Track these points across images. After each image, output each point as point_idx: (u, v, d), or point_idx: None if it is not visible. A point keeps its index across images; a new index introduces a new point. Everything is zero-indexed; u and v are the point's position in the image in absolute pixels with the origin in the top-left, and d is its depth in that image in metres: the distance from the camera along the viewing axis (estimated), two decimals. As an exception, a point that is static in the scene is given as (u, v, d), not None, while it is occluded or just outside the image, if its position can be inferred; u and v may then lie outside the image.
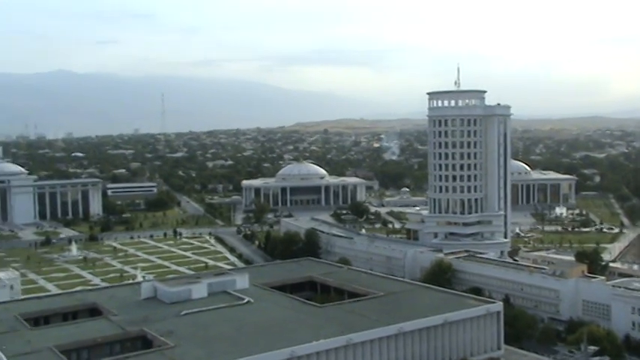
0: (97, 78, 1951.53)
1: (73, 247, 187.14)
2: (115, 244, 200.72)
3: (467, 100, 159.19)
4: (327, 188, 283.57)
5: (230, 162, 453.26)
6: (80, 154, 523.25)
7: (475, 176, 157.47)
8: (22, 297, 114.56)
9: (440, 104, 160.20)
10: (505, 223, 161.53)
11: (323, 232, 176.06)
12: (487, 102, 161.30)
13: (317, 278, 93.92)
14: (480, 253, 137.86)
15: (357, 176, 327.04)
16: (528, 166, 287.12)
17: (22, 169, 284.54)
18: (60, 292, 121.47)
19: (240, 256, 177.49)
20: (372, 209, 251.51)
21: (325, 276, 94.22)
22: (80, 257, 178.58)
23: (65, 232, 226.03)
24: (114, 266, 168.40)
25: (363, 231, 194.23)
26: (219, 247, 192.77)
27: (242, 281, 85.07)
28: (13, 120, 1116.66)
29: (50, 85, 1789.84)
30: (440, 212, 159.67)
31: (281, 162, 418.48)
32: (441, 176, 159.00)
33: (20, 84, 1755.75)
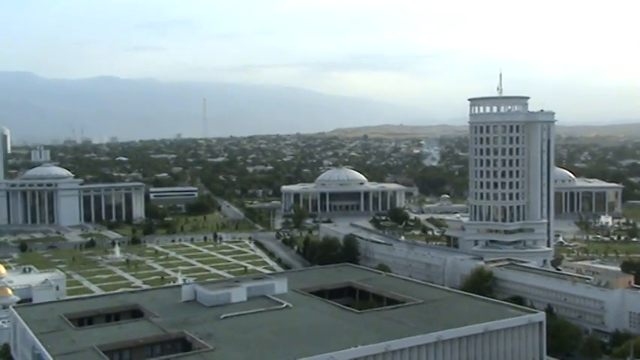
0: (139, 84, 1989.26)
1: (117, 250, 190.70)
2: (156, 247, 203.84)
3: (509, 107, 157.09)
4: (366, 194, 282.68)
5: (270, 167, 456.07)
6: (124, 159, 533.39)
7: (517, 183, 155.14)
8: (67, 297, 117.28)
9: (482, 110, 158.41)
10: (548, 232, 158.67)
11: (362, 238, 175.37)
12: (530, 108, 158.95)
13: (355, 284, 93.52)
14: (522, 262, 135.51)
15: (396, 182, 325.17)
16: (572, 173, 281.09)
17: (69, 173, 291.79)
18: (103, 293, 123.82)
19: (279, 261, 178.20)
20: (412, 216, 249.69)
21: (364, 282, 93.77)
22: (123, 259, 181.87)
23: (109, 235, 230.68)
24: (155, 269, 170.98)
25: (403, 237, 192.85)
26: (259, 252, 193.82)
27: (281, 286, 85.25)
28: (61, 125, 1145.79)
29: (95, 91, 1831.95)
30: (481, 219, 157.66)
31: (320, 168, 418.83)
32: (482, 183, 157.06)
33: (67, 90, 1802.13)
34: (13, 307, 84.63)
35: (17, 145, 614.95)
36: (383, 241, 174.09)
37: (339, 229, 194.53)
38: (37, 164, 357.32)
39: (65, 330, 71.01)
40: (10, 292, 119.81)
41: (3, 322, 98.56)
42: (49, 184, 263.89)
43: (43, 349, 63.09)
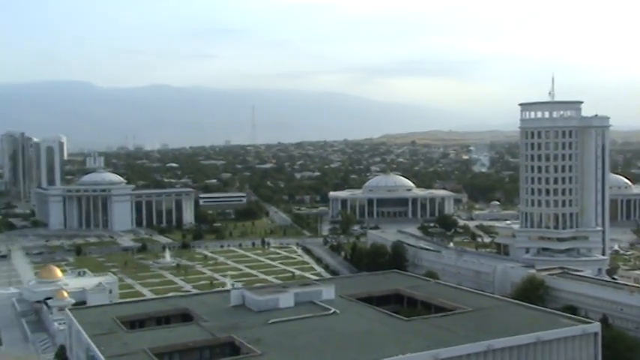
0: (191, 91, 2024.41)
1: (167, 254, 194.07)
2: (205, 252, 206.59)
3: (562, 112, 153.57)
4: (414, 200, 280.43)
5: (317, 173, 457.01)
6: (175, 165, 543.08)
7: (570, 190, 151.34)
8: (120, 301, 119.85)
9: (533, 115, 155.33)
10: (603, 240, 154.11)
11: (410, 244, 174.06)
12: (584, 113, 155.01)
13: (403, 291, 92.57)
14: (576, 271, 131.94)
15: (445, 189, 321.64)
16: (629, 180, 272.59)
17: (122, 179, 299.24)
18: (154, 297, 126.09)
19: (326, 267, 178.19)
20: (461, 222, 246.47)
21: (412, 289, 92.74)
22: (173, 264, 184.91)
23: (160, 240, 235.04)
24: (204, 273, 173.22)
25: (451, 244, 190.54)
26: (306, 258, 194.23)
27: (328, 292, 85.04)
28: (115, 132, 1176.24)
29: (148, 99, 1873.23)
30: (532, 226, 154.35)
31: (368, 174, 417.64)
32: (533, 190, 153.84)
33: (122, 98, 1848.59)
34: (69, 310, 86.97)
35: (73, 152, 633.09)
36: (431, 248, 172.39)
37: (386, 235, 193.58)
38: (92, 170, 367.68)
39: (118, 332, 72.49)
40: (66, 294, 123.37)
41: (59, 324, 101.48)
42: (102, 190, 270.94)
43: (97, 351, 64.53)
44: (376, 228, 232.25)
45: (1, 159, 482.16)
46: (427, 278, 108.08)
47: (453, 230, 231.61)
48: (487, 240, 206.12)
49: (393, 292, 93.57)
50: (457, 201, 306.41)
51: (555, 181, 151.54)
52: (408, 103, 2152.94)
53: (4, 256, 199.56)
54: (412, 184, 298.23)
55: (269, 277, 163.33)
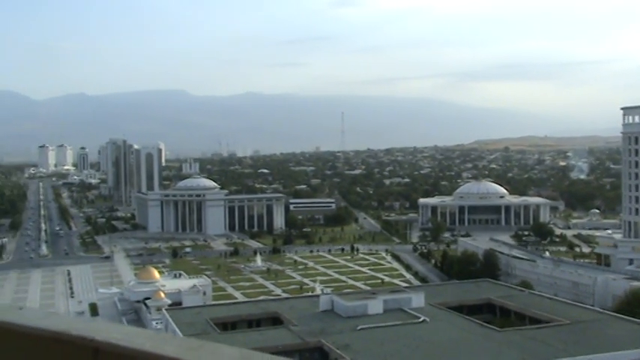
0: (281, 98, 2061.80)
1: (258, 259, 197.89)
2: (295, 257, 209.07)
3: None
4: (507, 208, 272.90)
5: (407, 180, 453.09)
6: (266, 171, 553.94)
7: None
8: (213, 303, 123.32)
9: (637, 120, 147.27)
10: None
11: (503, 253, 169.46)
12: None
13: (496, 301, 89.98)
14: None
15: (540, 196, 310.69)
16: None
17: (216, 184, 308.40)
18: (245, 300, 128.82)
19: (415, 274, 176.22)
20: (557, 231, 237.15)
21: (504, 299, 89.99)
22: (264, 268, 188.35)
23: (251, 244, 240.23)
24: (294, 278, 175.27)
25: (547, 254, 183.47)
26: (395, 264, 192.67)
27: (418, 299, 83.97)
28: (209, 138, 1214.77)
29: (241, 106, 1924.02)
30: (636, 236, 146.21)
31: (459, 180, 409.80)
32: (637, 197, 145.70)
33: (216, 106, 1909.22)
34: (166, 310, 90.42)
35: (170, 159, 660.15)
36: (525, 257, 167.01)
37: (478, 243, 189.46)
38: (188, 176, 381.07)
39: (211, 333, 74.53)
40: (163, 295, 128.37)
41: (157, 323, 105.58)
42: (197, 195, 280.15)
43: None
44: (467, 236, 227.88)
45: (105, 165, 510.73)
46: (521, 288, 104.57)
47: (548, 239, 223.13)
48: (586, 250, 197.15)
49: (485, 301, 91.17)
50: (553, 209, 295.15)
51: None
52: (501, 107, 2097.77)
53: (107, 257, 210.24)
54: (505, 191, 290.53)
55: (358, 283, 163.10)
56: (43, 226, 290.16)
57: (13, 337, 3.77)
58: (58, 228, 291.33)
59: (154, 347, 3.47)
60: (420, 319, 76.94)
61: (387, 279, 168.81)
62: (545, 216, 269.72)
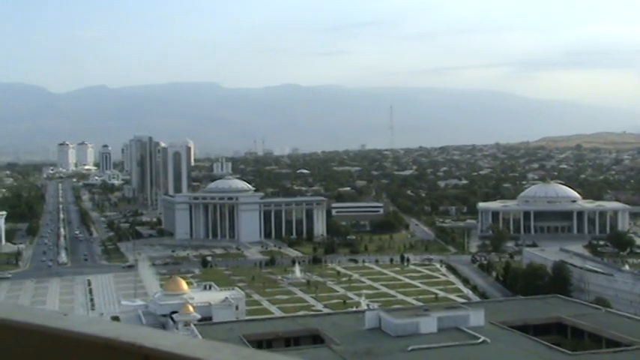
0: (322, 91, 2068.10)
1: (297, 269, 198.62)
2: (338, 267, 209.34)
3: None
4: (579, 214, 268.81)
5: (464, 181, 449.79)
6: (305, 171, 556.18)
7: None
8: (247, 318, 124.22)
9: None
10: None
11: (575, 265, 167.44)
12: None
13: (567, 320, 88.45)
14: None
15: (618, 200, 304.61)
16: None
17: (249, 186, 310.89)
18: (282, 315, 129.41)
19: (474, 289, 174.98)
20: (638, 241, 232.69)
21: (577, 318, 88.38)
22: (303, 280, 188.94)
23: (289, 253, 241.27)
24: (337, 291, 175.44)
25: (626, 267, 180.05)
26: (451, 277, 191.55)
27: (477, 317, 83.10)
28: (242, 135, 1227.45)
29: (277, 100, 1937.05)
30: None
31: (524, 182, 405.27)
32: None
33: (250, 99, 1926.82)
34: (195, 325, 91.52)
35: (200, 158, 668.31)
36: (601, 271, 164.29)
37: (546, 254, 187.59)
38: (219, 177, 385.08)
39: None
40: (191, 309, 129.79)
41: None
42: (230, 198, 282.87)
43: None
44: (534, 245, 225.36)
45: (129, 165, 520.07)
46: (596, 306, 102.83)
47: (628, 250, 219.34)
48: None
49: (555, 320, 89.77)
50: (634, 215, 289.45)
51: None
52: (573, 100, 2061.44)
53: (131, 266, 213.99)
54: (577, 195, 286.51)
55: (408, 299, 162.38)
56: (62, 231, 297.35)
57: (60, 344, 4.03)
58: (77, 232, 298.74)
59: (205, 355, 3.67)
60: (480, 340, 76.07)
61: (441, 294, 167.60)
62: (623, 223, 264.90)
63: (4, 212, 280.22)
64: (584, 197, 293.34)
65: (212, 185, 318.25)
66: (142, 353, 3.74)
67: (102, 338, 3.88)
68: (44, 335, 4.09)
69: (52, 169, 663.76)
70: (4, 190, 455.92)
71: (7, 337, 4.18)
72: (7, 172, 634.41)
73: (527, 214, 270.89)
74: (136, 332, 3.94)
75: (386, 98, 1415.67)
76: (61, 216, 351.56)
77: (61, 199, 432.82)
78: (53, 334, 4.07)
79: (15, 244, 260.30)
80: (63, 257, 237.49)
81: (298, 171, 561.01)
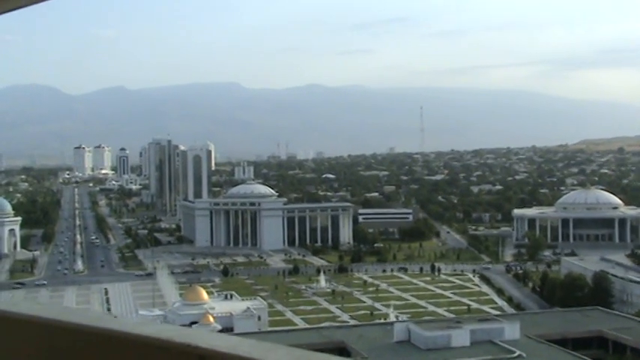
0: (347, 91, 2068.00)
1: (322, 279, 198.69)
2: (365, 277, 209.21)
3: None
4: (622, 221, 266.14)
5: (499, 187, 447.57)
6: (331, 176, 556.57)
7: None
8: (269, 329, 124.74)
9: None
10: None
11: (616, 276, 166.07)
12: None
13: (608, 334, 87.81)
14: None
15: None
16: None
17: (272, 192, 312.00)
18: (307, 326, 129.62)
19: (509, 300, 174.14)
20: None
21: (619, 332, 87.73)
22: (328, 290, 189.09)
23: (313, 261, 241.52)
24: (364, 302, 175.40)
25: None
26: (484, 288, 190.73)
27: (512, 330, 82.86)
28: (265, 138, 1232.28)
29: (301, 101, 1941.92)
30: None
31: (562, 188, 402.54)
32: None
33: (272, 100, 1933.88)
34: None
35: (221, 161, 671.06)
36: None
37: (586, 263, 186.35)
38: (241, 182, 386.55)
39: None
40: (212, 319, 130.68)
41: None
42: (252, 204, 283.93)
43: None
44: (572, 254, 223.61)
45: (147, 169, 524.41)
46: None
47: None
48: None
49: (595, 334, 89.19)
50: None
51: None
52: (614, 100, 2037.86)
53: (149, 274, 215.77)
54: (619, 201, 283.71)
55: (439, 310, 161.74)
56: (78, 238, 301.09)
57: (115, 345, 4.29)
58: (94, 237, 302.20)
59: (260, 355, 3.88)
60: (515, 354, 75.77)
61: (474, 305, 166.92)
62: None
63: (19, 218, 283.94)
64: (627, 204, 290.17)
65: (233, 190, 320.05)
66: (198, 353, 3.94)
67: (157, 339, 4.08)
68: (100, 337, 4.32)
69: (68, 174, 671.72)
70: (18, 195, 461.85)
71: (63, 338, 4.47)
72: (22, 176, 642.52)
73: (565, 222, 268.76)
74: (190, 333, 4.15)
75: (413, 99, 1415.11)
76: (77, 222, 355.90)
77: (77, 205, 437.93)
78: (109, 335, 4.30)
79: (30, 250, 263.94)
80: (79, 265, 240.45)
81: (323, 175, 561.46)
